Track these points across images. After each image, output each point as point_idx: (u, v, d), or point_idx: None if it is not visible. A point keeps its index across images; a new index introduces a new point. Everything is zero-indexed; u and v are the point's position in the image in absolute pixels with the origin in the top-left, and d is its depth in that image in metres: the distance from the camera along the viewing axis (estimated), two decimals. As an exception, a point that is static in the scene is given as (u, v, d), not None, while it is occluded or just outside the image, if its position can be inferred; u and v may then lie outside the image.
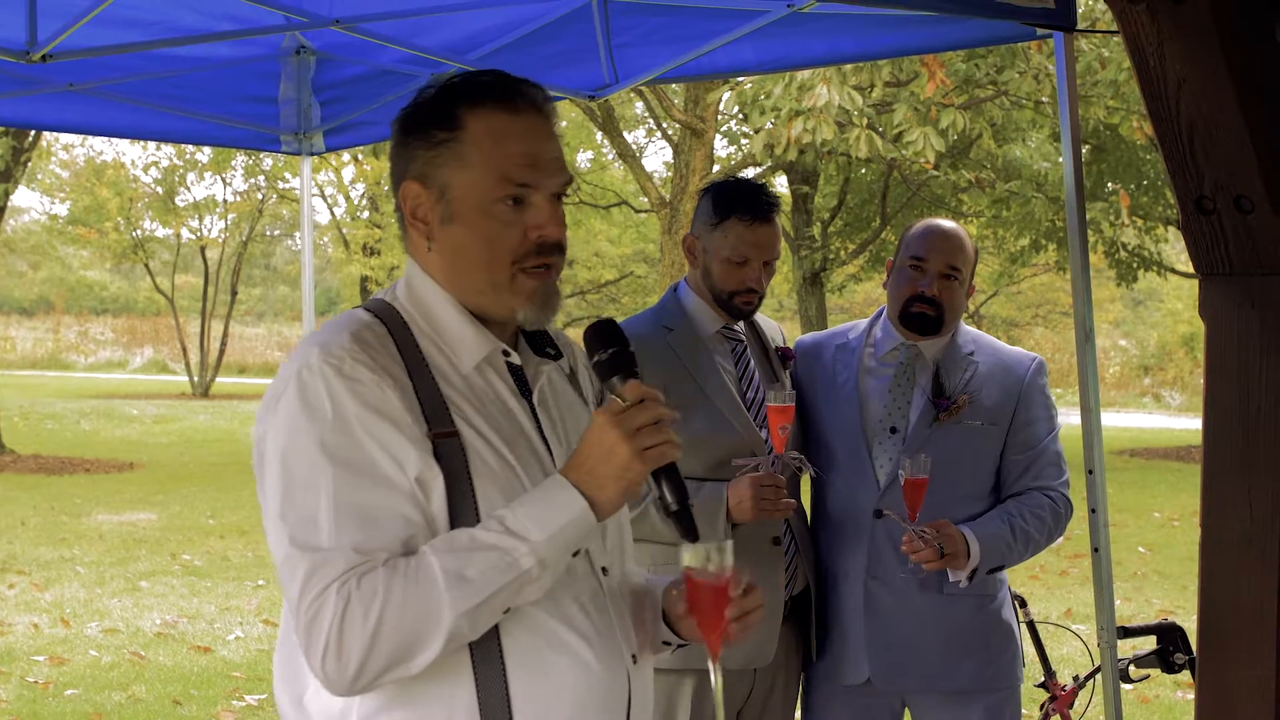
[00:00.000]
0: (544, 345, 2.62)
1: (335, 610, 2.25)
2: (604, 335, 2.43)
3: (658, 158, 59.66)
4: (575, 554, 2.38)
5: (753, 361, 4.26)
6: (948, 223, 4.33)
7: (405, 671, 2.30)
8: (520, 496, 2.36)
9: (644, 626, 2.62)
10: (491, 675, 2.37)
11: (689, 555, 2.43)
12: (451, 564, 2.27)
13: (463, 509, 2.36)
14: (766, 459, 4.06)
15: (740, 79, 15.71)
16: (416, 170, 2.48)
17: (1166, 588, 11.92)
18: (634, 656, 2.54)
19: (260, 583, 11.80)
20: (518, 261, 2.45)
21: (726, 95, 19.67)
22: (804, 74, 13.62)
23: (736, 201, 4.13)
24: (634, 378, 2.38)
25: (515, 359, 2.55)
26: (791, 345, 4.45)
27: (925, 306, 4.21)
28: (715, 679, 2.48)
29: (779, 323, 4.65)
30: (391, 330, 2.46)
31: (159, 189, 36.27)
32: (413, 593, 2.25)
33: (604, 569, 2.53)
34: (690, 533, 2.39)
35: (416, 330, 2.48)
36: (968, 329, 4.38)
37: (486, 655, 2.37)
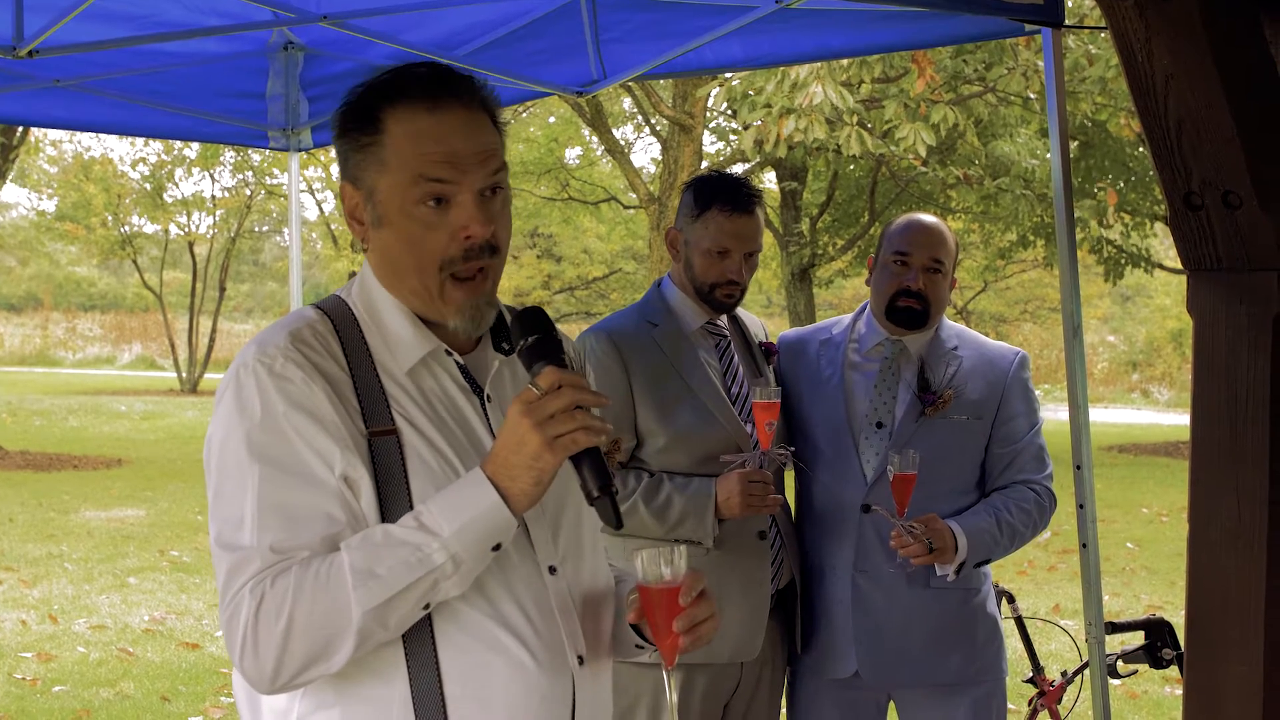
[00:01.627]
0: (501, 340, 2.58)
1: (250, 610, 2.25)
2: (527, 322, 2.38)
3: (646, 154, 59.72)
4: (496, 548, 2.32)
5: (736, 356, 4.26)
6: (928, 217, 4.34)
7: (326, 669, 2.29)
8: (440, 492, 2.33)
9: (598, 628, 2.56)
10: (425, 674, 2.35)
11: (641, 560, 2.40)
12: (361, 561, 2.25)
13: (396, 507, 2.34)
14: (754, 455, 4.06)
15: (728, 75, 15.71)
16: (349, 172, 2.47)
17: (1154, 583, 11.94)
18: (580, 658, 2.48)
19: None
20: (446, 267, 2.41)
21: (715, 91, 19.67)
22: (797, 72, 13.61)
23: (717, 193, 4.13)
24: (557, 364, 2.33)
25: (459, 357, 2.52)
26: (774, 340, 4.46)
27: (911, 300, 4.21)
28: (670, 693, 2.46)
29: (767, 318, 4.66)
30: (339, 327, 2.45)
31: (147, 185, 36.23)
32: (322, 591, 2.24)
33: (551, 568, 2.48)
34: (613, 520, 2.33)
35: (365, 327, 2.47)
36: (950, 324, 4.39)
37: (420, 654, 2.36)
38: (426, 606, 2.31)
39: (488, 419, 2.51)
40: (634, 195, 25.83)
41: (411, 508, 2.34)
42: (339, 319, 2.47)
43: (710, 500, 3.99)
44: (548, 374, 2.30)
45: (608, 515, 2.33)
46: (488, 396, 2.53)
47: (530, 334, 2.36)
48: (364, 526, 2.33)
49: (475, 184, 2.40)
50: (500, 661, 2.39)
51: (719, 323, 4.26)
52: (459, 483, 2.33)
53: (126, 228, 37.56)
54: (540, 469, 2.27)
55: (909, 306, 4.22)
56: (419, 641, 2.35)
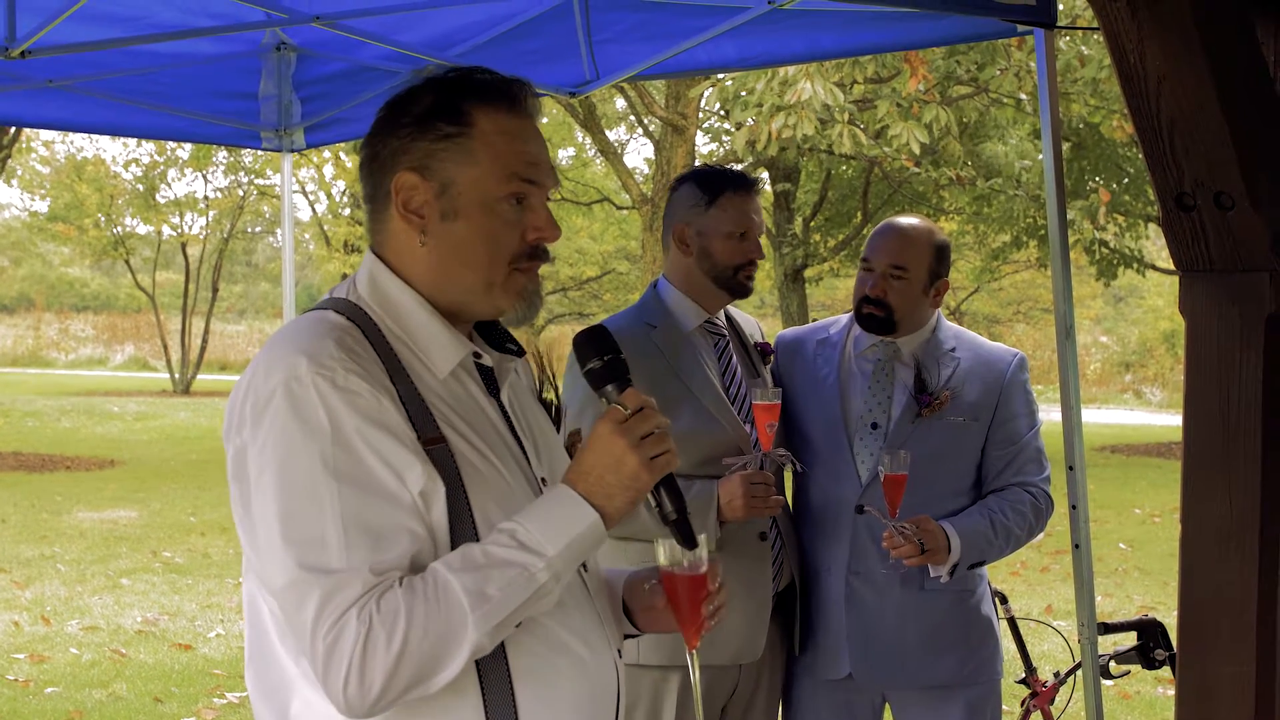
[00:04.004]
0: (503, 340, 2.60)
1: (357, 635, 2.18)
2: (597, 342, 2.40)
3: (639, 155, 59.66)
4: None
5: (734, 357, 4.26)
6: (905, 221, 4.33)
7: (424, 691, 2.25)
8: (527, 509, 2.32)
9: (615, 619, 2.62)
10: (498, 684, 2.34)
11: (664, 549, 2.44)
12: (471, 583, 2.22)
13: (459, 517, 2.32)
14: (755, 456, 4.06)
15: (721, 75, 15.72)
16: (414, 162, 2.42)
17: (1147, 584, 11.95)
18: (619, 650, 2.54)
19: (241, 580, 11.75)
20: (513, 261, 2.43)
21: (708, 92, 19.67)
22: (787, 70, 13.63)
23: (725, 180, 4.17)
24: (630, 385, 2.36)
25: (486, 360, 2.52)
26: (770, 341, 4.45)
27: (873, 307, 4.21)
28: (693, 671, 2.50)
29: (760, 319, 4.65)
30: (366, 334, 2.39)
31: (140, 186, 36.20)
32: (436, 614, 2.20)
33: (583, 564, 2.50)
34: (688, 540, 2.39)
35: (388, 333, 2.42)
36: (949, 325, 4.38)
37: (493, 665, 2.34)
38: (519, 624, 2.32)
39: (510, 422, 2.52)
40: (627, 196, 25.84)
41: (472, 517, 2.33)
42: (363, 324, 2.41)
43: (713, 502, 3.98)
44: (631, 395, 2.34)
45: (685, 535, 2.40)
46: (505, 398, 2.54)
47: (602, 354, 2.40)
48: (436, 539, 2.31)
49: (547, 190, 2.47)
50: (565, 661, 2.41)
51: (717, 322, 4.25)
52: (551, 501, 2.33)
53: (119, 228, 37.52)
54: (638, 489, 2.31)
55: (871, 313, 4.22)
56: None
